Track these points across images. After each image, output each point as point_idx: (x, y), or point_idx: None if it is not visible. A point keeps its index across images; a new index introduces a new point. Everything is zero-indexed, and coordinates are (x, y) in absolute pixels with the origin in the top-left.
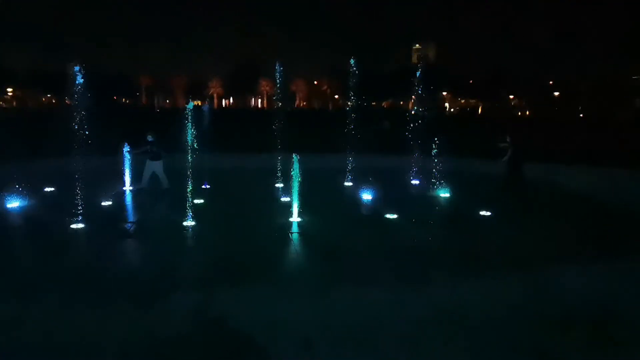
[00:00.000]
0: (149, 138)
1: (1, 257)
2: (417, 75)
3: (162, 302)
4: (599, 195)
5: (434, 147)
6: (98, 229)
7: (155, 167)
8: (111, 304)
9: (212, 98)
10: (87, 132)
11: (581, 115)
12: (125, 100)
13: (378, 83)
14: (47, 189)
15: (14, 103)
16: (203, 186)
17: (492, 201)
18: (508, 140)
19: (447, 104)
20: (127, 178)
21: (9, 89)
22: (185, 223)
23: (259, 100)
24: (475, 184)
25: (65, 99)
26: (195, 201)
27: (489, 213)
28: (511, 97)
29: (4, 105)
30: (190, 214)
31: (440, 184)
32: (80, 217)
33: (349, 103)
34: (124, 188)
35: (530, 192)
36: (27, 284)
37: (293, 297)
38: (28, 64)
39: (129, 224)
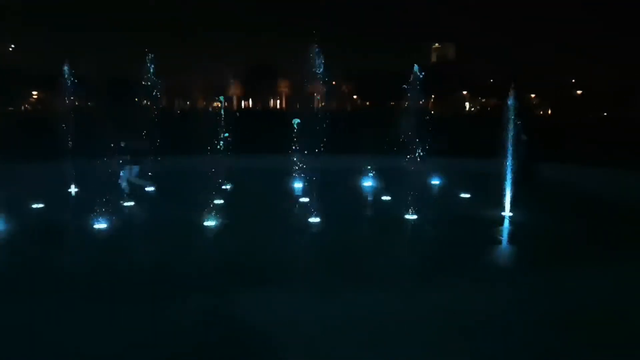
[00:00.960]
0: (121, 144)
1: (23, 256)
2: (437, 75)
3: (176, 301)
4: (617, 196)
5: (450, 146)
6: (120, 228)
7: (131, 172)
8: (129, 303)
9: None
10: (107, 134)
11: (605, 113)
12: (146, 103)
13: (396, 83)
14: (70, 190)
15: (39, 106)
16: (222, 186)
17: (511, 202)
18: (525, 138)
19: (467, 104)
20: (149, 178)
21: (34, 92)
22: (204, 223)
23: (277, 102)
24: (492, 183)
25: (88, 103)
26: (215, 201)
27: (510, 213)
28: (532, 95)
29: (29, 108)
30: (209, 213)
31: (457, 184)
32: (102, 217)
33: (367, 103)
34: (146, 188)
35: (538, 190)
36: (51, 282)
37: (307, 297)
38: (51, 67)
39: (147, 224)
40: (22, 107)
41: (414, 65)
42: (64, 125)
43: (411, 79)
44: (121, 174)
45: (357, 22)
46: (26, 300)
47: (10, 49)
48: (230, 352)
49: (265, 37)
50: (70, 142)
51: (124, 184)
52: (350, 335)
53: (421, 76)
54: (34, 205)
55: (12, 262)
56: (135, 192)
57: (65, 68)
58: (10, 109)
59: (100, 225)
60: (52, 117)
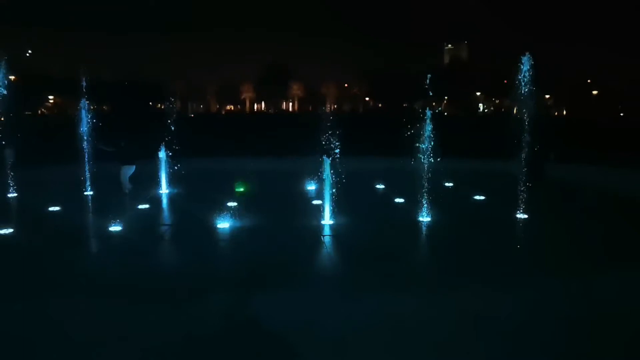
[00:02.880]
0: (122, 144)
1: (40, 257)
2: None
3: (194, 303)
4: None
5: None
6: (134, 231)
7: (127, 171)
8: (147, 305)
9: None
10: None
11: (621, 114)
12: (160, 106)
13: (409, 84)
14: (86, 193)
15: (55, 110)
16: (235, 189)
17: (525, 204)
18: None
19: (481, 104)
20: (163, 181)
21: (50, 97)
22: (218, 225)
23: (290, 104)
24: (504, 184)
25: (103, 107)
26: (228, 204)
27: (524, 215)
28: (547, 96)
29: (46, 112)
30: (222, 216)
31: (471, 185)
32: (117, 220)
33: (380, 105)
34: (160, 191)
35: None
36: (72, 284)
37: (324, 299)
38: (66, 71)
39: (164, 227)
40: (39, 112)
41: (427, 67)
42: (79, 129)
43: (425, 81)
44: (121, 174)
45: (371, 22)
46: (48, 300)
47: (28, 54)
48: (255, 353)
49: (277, 38)
50: (83, 146)
51: (127, 186)
52: (373, 337)
53: (435, 79)
54: (52, 208)
55: (38, 263)
56: (145, 194)
57: (81, 73)
58: (27, 113)
59: (118, 227)
60: (67, 121)
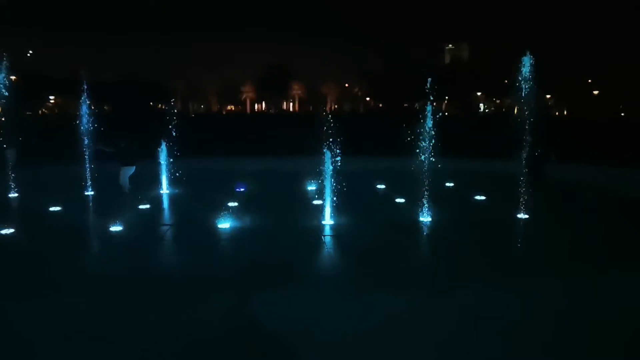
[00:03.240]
0: (122, 144)
1: (38, 257)
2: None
3: (194, 303)
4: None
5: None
6: (135, 231)
7: (127, 172)
8: (147, 305)
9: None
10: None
11: (622, 114)
12: (162, 106)
13: (409, 84)
14: (86, 193)
15: (56, 110)
16: (237, 189)
17: (525, 204)
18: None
19: (481, 105)
20: (164, 181)
21: (51, 97)
22: (219, 225)
23: (291, 104)
24: (508, 185)
25: (105, 107)
26: (229, 204)
27: (525, 215)
28: (548, 96)
29: (47, 112)
30: (223, 216)
31: (472, 185)
32: (118, 220)
33: (380, 105)
34: (161, 191)
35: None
36: (68, 284)
37: (324, 299)
38: (66, 71)
39: (165, 227)
40: (39, 112)
41: (428, 67)
42: (80, 129)
43: (425, 82)
44: (121, 174)
45: (371, 22)
46: (49, 300)
47: (28, 55)
48: (256, 353)
49: (277, 38)
50: (83, 146)
51: (126, 186)
52: (373, 337)
53: (435, 79)
54: (53, 209)
55: (38, 263)
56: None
57: (81, 73)
58: (28, 113)
59: (118, 227)
60: (67, 121)
